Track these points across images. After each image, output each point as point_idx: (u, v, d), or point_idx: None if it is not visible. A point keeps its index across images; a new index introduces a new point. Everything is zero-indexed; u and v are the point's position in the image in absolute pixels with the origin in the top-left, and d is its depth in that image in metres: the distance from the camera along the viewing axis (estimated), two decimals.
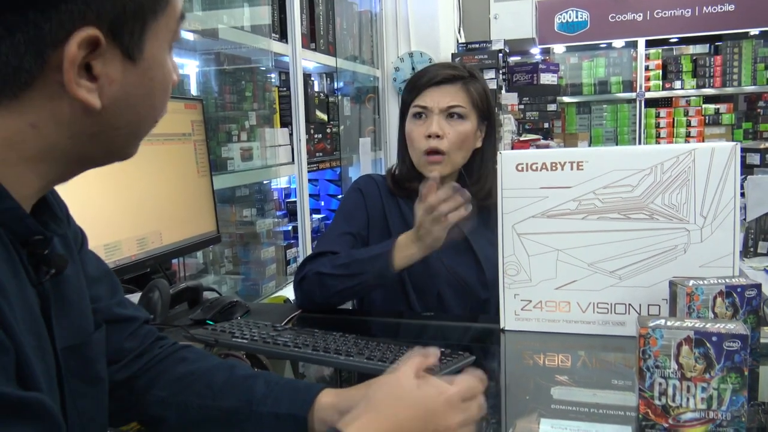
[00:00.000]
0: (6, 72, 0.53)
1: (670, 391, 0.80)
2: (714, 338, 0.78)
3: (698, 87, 5.37)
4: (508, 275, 1.23)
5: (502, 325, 1.25)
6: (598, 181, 1.16)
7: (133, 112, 0.60)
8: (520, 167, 1.20)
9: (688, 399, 0.80)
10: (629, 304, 1.17)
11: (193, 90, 2.30)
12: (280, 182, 2.86)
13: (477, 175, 1.48)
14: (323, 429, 0.77)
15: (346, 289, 1.32)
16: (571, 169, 1.17)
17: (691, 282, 1.00)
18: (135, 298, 1.31)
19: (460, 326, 1.35)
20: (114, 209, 1.29)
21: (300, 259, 2.67)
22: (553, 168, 1.18)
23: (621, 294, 1.17)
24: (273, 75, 2.60)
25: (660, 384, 0.81)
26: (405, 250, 1.29)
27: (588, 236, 1.18)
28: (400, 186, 1.48)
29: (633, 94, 5.50)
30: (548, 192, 1.19)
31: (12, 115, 0.55)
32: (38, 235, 0.60)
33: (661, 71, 5.44)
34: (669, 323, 0.81)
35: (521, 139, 4.18)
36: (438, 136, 1.40)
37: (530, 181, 1.20)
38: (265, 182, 2.56)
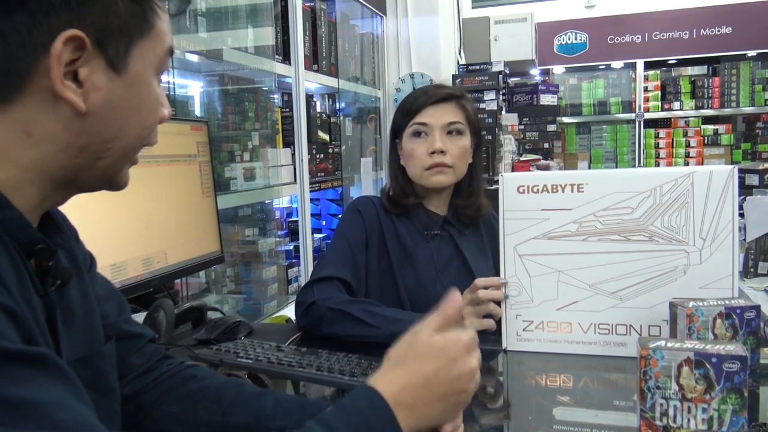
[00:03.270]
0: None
1: (671, 412, 0.81)
2: (714, 359, 0.79)
3: (697, 108, 5.41)
4: (510, 296, 1.24)
5: (504, 346, 1.25)
6: (599, 203, 1.18)
7: (120, 125, 0.63)
8: (521, 189, 1.22)
9: (689, 420, 0.80)
10: (630, 325, 1.18)
11: (197, 111, 2.32)
12: (282, 202, 2.88)
13: (469, 190, 1.51)
14: None
15: (357, 335, 1.31)
16: (572, 191, 1.19)
17: (691, 303, 1.01)
18: (140, 317, 1.31)
19: None
20: (120, 230, 1.30)
21: (302, 279, 2.67)
22: (554, 190, 1.20)
23: (622, 315, 1.18)
24: (276, 96, 2.63)
25: (661, 405, 0.81)
26: None
27: (589, 258, 1.19)
28: (394, 203, 1.50)
29: (632, 115, 5.55)
30: (549, 214, 1.20)
31: (7, 121, 0.58)
32: (41, 244, 0.62)
33: (659, 92, 5.49)
34: (669, 344, 0.82)
35: (521, 159, 4.21)
36: (442, 152, 1.42)
37: (531, 203, 1.21)
38: (267, 202, 2.57)
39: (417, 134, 1.46)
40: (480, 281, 1.27)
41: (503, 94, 4.05)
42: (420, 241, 1.48)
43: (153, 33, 0.64)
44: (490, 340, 1.29)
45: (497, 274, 1.53)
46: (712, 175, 1.13)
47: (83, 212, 1.16)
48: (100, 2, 0.59)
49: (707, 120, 5.51)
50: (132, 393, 0.84)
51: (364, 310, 1.31)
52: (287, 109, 2.62)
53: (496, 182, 1.40)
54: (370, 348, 1.35)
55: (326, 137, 2.99)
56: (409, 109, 1.47)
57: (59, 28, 0.57)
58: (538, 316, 1.22)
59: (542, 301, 1.22)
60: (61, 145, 0.61)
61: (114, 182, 0.68)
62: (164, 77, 1.83)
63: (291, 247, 2.78)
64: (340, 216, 3.49)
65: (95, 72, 0.60)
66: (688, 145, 5.47)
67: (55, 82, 0.58)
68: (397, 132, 1.51)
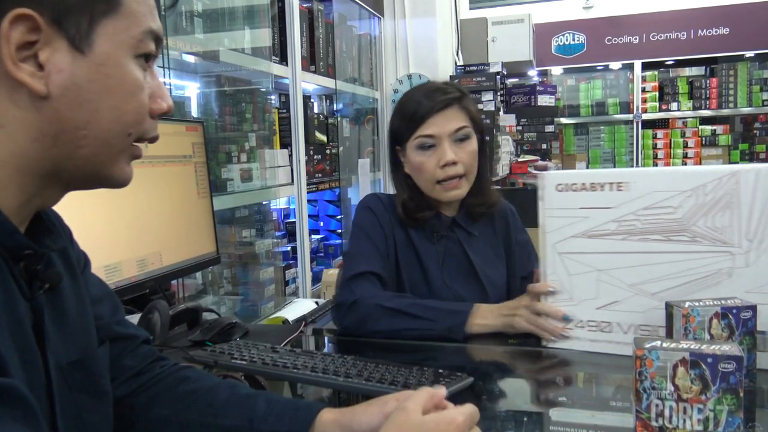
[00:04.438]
0: None
1: (666, 413, 0.81)
2: (709, 360, 0.79)
3: (695, 108, 5.42)
4: (551, 294, 1.23)
5: (544, 343, 1.24)
6: (639, 202, 1.14)
7: (91, 108, 0.60)
8: (560, 187, 1.20)
9: (684, 420, 0.80)
10: None
11: (194, 112, 2.32)
12: (279, 203, 2.87)
13: (478, 187, 1.47)
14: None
15: (407, 329, 1.29)
16: (612, 189, 1.16)
17: (687, 304, 1.00)
18: (135, 318, 1.31)
19: (499, 349, 1.31)
20: (115, 231, 1.30)
21: (299, 280, 2.67)
22: (594, 188, 1.17)
23: (664, 316, 1.12)
24: (273, 97, 2.63)
25: (657, 405, 0.81)
26: (484, 319, 1.28)
27: (629, 257, 1.16)
28: (413, 219, 1.45)
29: (630, 116, 5.55)
30: (589, 212, 1.18)
31: None
32: (28, 249, 0.61)
33: (657, 93, 5.49)
34: (665, 345, 0.82)
35: (519, 160, 4.21)
36: (454, 163, 1.38)
37: (571, 201, 1.19)
38: (264, 203, 2.57)
39: (424, 147, 1.40)
40: (533, 287, 1.25)
41: (501, 95, 4.05)
42: (427, 242, 1.46)
43: (122, 11, 0.61)
44: (530, 340, 1.27)
45: (509, 268, 1.53)
46: (759, 174, 1.08)
47: (77, 213, 1.15)
48: None
49: (705, 121, 5.52)
50: (125, 395, 0.83)
51: (414, 304, 1.30)
52: (284, 110, 2.62)
53: (494, 183, 1.39)
54: (375, 351, 1.34)
55: (324, 138, 2.99)
56: (411, 118, 1.41)
57: (8, 9, 0.55)
58: (577, 314, 1.20)
59: (582, 300, 1.20)
60: (35, 135, 0.59)
61: (106, 176, 0.65)
62: (161, 78, 1.82)
63: (288, 249, 2.77)
64: (338, 217, 3.48)
65: (57, 53, 0.58)
66: (686, 146, 5.48)
67: (7, 63, 0.56)
68: (398, 139, 1.45)
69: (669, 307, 1.04)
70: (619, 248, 1.16)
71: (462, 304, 1.32)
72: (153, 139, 0.68)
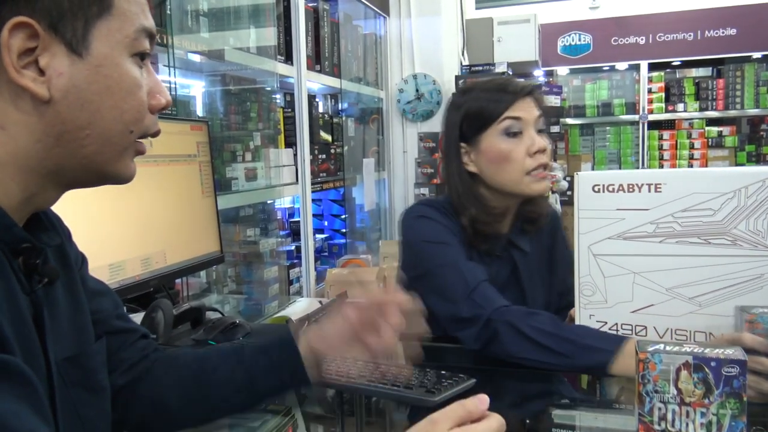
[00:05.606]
0: None
1: (669, 416, 0.80)
2: (713, 363, 0.78)
3: (701, 110, 5.39)
4: (584, 296, 1.19)
5: None
6: (677, 203, 1.12)
7: (92, 108, 0.62)
8: (596, 188, 1.17)
9: (687, 424, 0.80)
10: (710, 333, 1.10)
11: (199, 111, 2.32)
12: (283, 202, 2.88)
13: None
14: (308, 347, 0.86)
15: (539, 361, 1.14)
16: (649, 191, 1.13)
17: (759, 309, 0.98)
18: (138, 317, 1.31)
19: None
20: (119, 229, 1.30)
21: (303, 280, 2.67)
22: (630, 189, 1.15)
23: (701, 321, 1.11)
24: (278, 96, 2.63)
25: (659, 409, 0.81)
26: (633, 359, 1.04)
27: (666, 260, 1.13)
28: (481, 234, 1.31)
29: (636, 117, 5.53)
30: (625, 214, 1.15)
31: None
32: (26, 243, 0.62)
33: (663, 94, 5.46)
34: (668, 348, 0.82)
35: None
36: (544, 151, 1.27)
37: (607, 202, 1.16)
38: (268, 202, 2.57)
39: (510, 132, 1.28)
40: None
41: None
42: (480, 261, 1.34)
43: (114, 12, 0.63)
44: None
45: (550, 284, 1.43)
46: None
47: (82, 211, 1.16)
48: None
49: (711, 122, 5.49)
50: (124, 384, 0.85)
51: (544, 332, 1.14)
52: (289, 110, 2.62)
53: None
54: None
55: (328, 138, 2.99)
56: (495, 106, 1.28)
57: (6, 18, 0.57)
58: (612, 317, 1.17)
59: (616, 303, 1.17)
60: (38, 136, 0.61)
61: (111, 173, 0.67)
62: (165, 76, 1.83)
63: (292, 248, 2.78)
64: (343, 217, 3.48)
65: (56, 57, 0.60)
66: (692, 147, 5.45)
67: (9, 70, 0.58)
68: (469, 131, 1.31)
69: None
70: (656, 251, 1.13)
71: (606, 336, 1.14)
72: (155, 134, 0.70)
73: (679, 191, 1.11)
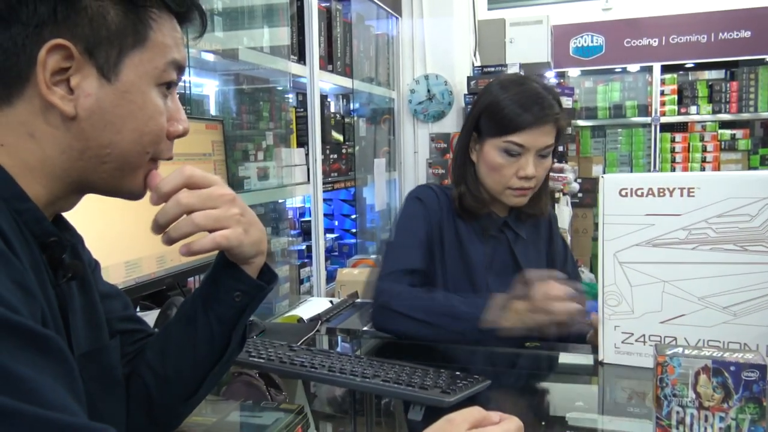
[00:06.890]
0: None
1: (687, 420, 0.80)
2: (732, 368, 0.78)
3: (714, 112, 5.36)
4: (609, 305, 1.15)
5: (600, 358, 1.17)
6: (712, 209, 1.08)
7: (114, 130, 0.66)
8: (623, 192, 1.13)
9: (705, 429, 0.79)
10: (744, 344, 1.07)
11: (213, 110, 2.33)
12: (295, 201, 2.88)
13: (536, 194, 1.43)
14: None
15: (420, 335, 1.27)
16: (681, 195, 1.09)
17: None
18: (153, 315, 1.32)
19: (552, 355, 1.29)
20: (134, 228, 1.30)
21: (314, 279, 2.67)
22: (661, 194, 1.11)
23: (736, 332, 1.07)
24: (290, 95, 2.64)
25: (677, 413, 0.80)
26: (500, 310, 1.22)
27: (699, 268, 1.09)
28: (469, 212, 1.42)
29: (648, 119, 5.50)
30: (655, 219, 1.11)
31: (13, 123, 0.63)
32: (54, 237, 0.65)
33: (676, 96, 5.43)
34: (687, 352, 0.81)
35: None
36: (531, 178, 1.35)
37: (635, 207, 1.12)
38: (280, 201, 2.58)
39: (509, 153, 1.35)
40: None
41: None
42: (476, 240, 1.42)
43: (148, 45, 0.66)
44: (583, 349, 1.23)
45: (558, 268, 1.44)
46: None
47: (99, 210, 1.16)
48: (88, 16, 0.62)
49: (724, 125, 5.45)
50: (130, 372, 0.85)
51: (415, 307, 1.27)
52: (301, 109, 2.63)
53: None
54: (392, 351, 1.34)
55: (340, 137, 2.99)
56: (506, 124, 1.34)
57: (48, 39, 0.61)
58: (639, 328, 1.13)
59: (644, 313, 1.13)
60: (63, 148, 0.65)
61: (124, 189, 0.71)
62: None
63: (303, 247, 2.78)
64: (353, 216, 3.49)
65: (86, 79, 0.64)
66: (704, 150, 5.41)
67: (42, 87, 0.62)
68: (480, 130, 1.40)
69: None
70: (688, 258, 1.09)
71: (469, 302, 1.26)
72: (168, 159, 0.73)
73: (713, 196, 1.07)
